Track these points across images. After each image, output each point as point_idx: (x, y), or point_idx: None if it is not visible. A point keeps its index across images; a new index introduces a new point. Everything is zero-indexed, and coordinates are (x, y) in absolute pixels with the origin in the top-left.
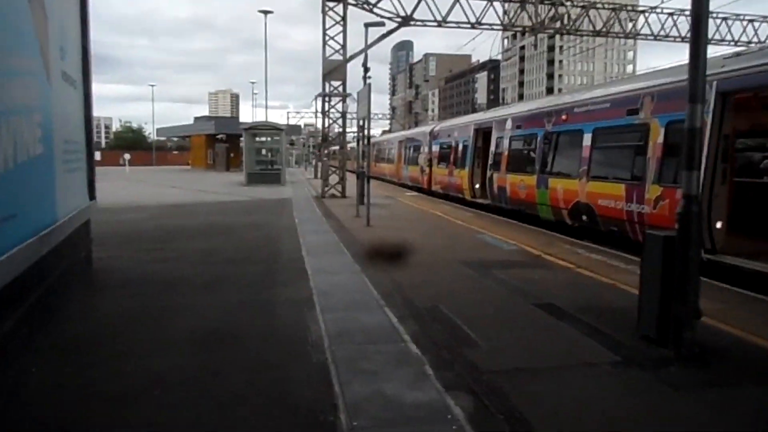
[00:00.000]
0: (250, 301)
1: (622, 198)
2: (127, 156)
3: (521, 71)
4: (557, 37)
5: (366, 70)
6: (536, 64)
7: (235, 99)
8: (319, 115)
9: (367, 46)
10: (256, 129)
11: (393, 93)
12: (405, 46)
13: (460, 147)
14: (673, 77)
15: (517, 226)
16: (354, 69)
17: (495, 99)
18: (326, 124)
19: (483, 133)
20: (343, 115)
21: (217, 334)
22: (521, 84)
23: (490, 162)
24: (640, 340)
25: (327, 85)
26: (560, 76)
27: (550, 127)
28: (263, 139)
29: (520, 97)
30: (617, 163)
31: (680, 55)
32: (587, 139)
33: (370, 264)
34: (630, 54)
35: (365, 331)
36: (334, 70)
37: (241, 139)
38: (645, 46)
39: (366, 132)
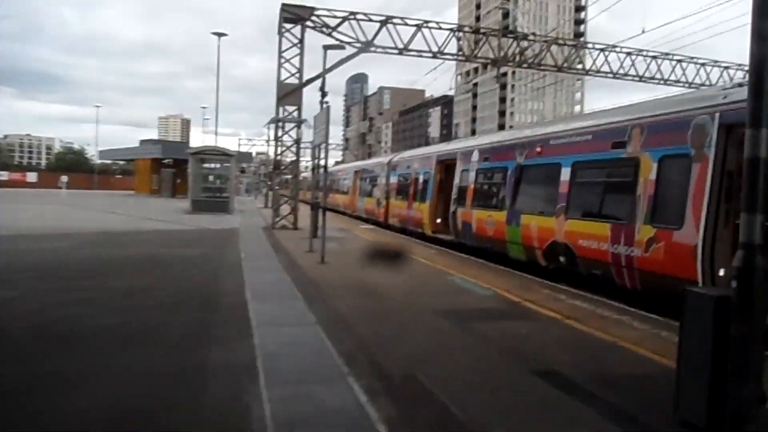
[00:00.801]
0: (175, 368)
1: (606, 239)
2: (64, 178)
3: (474, 107)
4: (509, 75)
5: (324, 94)
6: (489, 101)
7: (186, 124)
8: (272, 142)
9: (326, 70)
10: (203, 154)
11: (347, 124)
12: (360, 79)
13: (421, 179)
14: (665, 108)
15: (485, 266)
16: (309, 96)
17: (448, 133)
18: (279, 151)
19: (446, 165)
20: (297, 141)
21: (121, 423)
22: (474, 120)
23: (454, 196)
24: (681, 429)
25: (281, 110)
26: (512, 113)
27: (522, 160)
28: (211, 165)
29: (473, 132)
30: (601, 200)
31: (625, 98)
32: (565, 173)
33: (328, 312)
34: (578, 95)
35: (324, 416)
36: (289, 94)
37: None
38: (591, 88)
39: (323, 159)
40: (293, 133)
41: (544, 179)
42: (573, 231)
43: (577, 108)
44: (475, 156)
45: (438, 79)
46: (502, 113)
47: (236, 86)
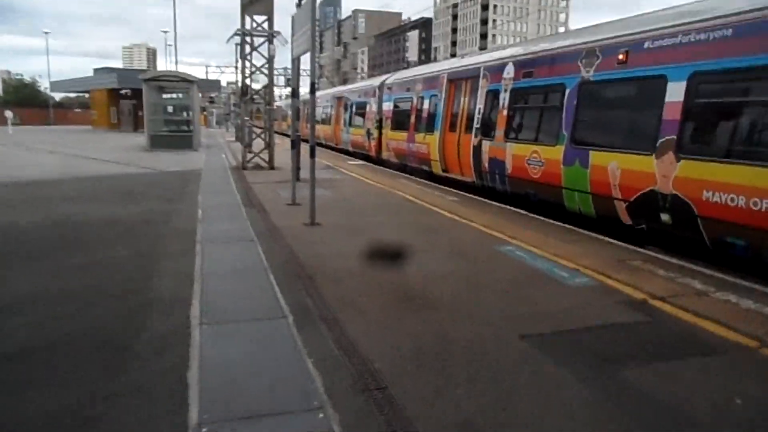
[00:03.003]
0: None
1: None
2: (9, 114)
3: (454, 30)
4: None
5: None
6: (470, 23)
7: (152, 54)
8: (241, 67)
9: None
10: (159, 80)
11: (320, 51)
12: (333, 2)
13: (426, 104)
14: None
15: (537, 222)
16: (281, 4)
17: (427, 58)
18: (247, 73)
19: (463, 86)
20: (270, 60)
21: None
22: (454, 44)
23: (476, 125)
24: None
25: (248, 20)
26: (494, 36)
27: (591, 73)
28: (172, 95)
29: (453, 56)
30: (751, 130)
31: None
32: (675, 90)
33: (339, 350)
34: (563, 16)
35: None
36: (257, 1)
37: None
38: (574, 10)
39: (310, 76)
40: (264, 51)
41: (632, 99)
42: (692, 178)
43: (561, 30)
44: (509, 71)
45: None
46: (483, 36)
47: (204, 14)
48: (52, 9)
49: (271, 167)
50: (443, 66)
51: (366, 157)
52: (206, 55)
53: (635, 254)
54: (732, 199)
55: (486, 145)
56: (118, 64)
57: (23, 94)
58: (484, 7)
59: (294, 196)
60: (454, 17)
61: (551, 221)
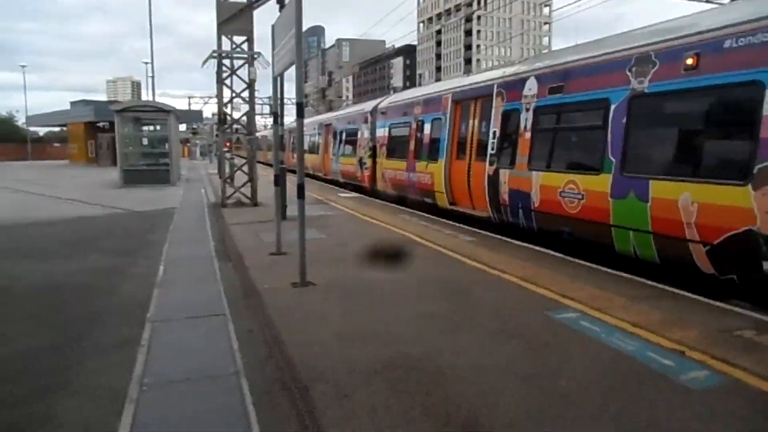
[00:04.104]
0: None
1: None
2: None
3: (438, 56)
4: (474, 20)
5: (282, 5)
6: (453, 48)
7: (136, 86)
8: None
9: None
10: (133, 111)
11: (306, 80)
12: (316, 32)
13: (427, 129)
14: None
15: (582, 269)
16: (262, 22)
17: (411, 84)
18: (225, 98)
19: (471, 106)
20: (251, 84)
21: None
22: (438, 69)
23: (490, 151)
24: None
25: (225, 41)
26: (478, 60)
27: (647, 86)
28: (149, 127)
29: (438, 81)
30: None
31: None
32: None
33: None
34: (546, 39)
35: None
36: (234, 18)
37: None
38: (556, 34)
39: (296, 96)
40: (244, 75)
41: (706, 116)
42: None
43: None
44: (531, 87)
45: (398, 26)
46: (468, 61)
47: (187, 44)
48: (29, 44)
49: (254, 204)
50: (446, 85)
51: (358, 188)
52: (190, 85)
53: (735, 317)
54: None
55: (505, 174)
56: (103, 97)
57: (3, 131)
58: (468, 33)
59: (279, 242)
60: (438, 43)
61: (598, 267)
